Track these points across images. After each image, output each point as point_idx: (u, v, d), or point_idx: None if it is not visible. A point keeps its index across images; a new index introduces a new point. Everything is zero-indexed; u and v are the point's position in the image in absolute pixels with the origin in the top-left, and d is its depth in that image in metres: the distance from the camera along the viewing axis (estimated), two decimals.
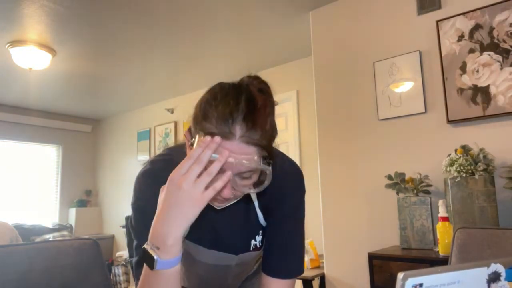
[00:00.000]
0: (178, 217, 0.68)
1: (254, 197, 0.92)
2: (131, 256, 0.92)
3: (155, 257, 0.69)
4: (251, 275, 1.17)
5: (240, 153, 0.70)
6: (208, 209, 0.86)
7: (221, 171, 0.70)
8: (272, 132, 0.76)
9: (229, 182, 0.72)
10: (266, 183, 0.76)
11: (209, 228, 0.92)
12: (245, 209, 0.93)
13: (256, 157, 0.72)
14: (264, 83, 0.79)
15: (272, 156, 0.76)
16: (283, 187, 0.91)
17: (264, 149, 0.73)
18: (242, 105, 0.71)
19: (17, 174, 5.37)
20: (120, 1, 2.72)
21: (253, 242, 0.97)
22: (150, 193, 0.82)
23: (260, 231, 0.97)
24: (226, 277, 1.06)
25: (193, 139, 0.73)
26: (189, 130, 0.77)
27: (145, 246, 0.71)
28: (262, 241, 0.98)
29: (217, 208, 0.80)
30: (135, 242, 0.87)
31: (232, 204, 0.81)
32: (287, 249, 0.93)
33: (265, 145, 0.73)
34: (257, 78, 0.79)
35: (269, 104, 0.77)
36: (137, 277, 0.82)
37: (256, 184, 0.77)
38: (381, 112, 2.46)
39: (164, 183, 0.74)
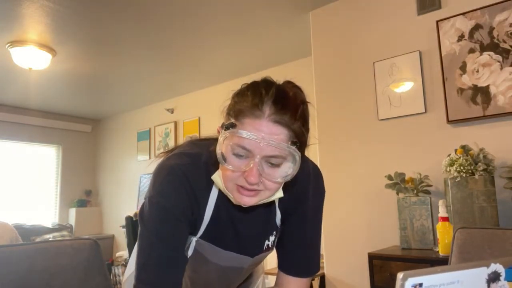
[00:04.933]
0: None
1: (277, 195, 0.91)
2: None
3: None
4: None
5: (269, 133, 0.70)
6: (233, 209, 0.86)
7: (250, 154, 0.71)
8: (303, 123, 0.75)
9: (255, 166, 0.71)
10: (295, 168, 0.74)
11: (231, 229, 0.91)
12: (266, 208, 0.92)
13: (284, 138, 0.71)
14: (298, 86, 0.80)
15: (302, 144, 0.74)
16: (306, 187, 0.91)
17: (293, 134, 0.72)
18: (272, 91, 0.74)
19: (17, 174, 5.36)
20: (120, 1, 2.72)
21: (266, 242, 0.96)
22: (174, 191, 0.81)
23: (274, 232, 0.97)
24: (236, 278, 1.04)
25: (224, 123, 0.75)
26: (222, 124, 0.78)
27: None
28: (274, 241, 0.98)
29: (244, 206, 0.78)
30: (147, 247, 0.81)
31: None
32: (307, 249, 0.94)
33: (294, 129, 0.72)
34: (290, 82, 0.80)
35: (300, 99, 0.77)
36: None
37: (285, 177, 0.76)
38: (381, 112, 2.46)
39: (191, 184, 0.77)
